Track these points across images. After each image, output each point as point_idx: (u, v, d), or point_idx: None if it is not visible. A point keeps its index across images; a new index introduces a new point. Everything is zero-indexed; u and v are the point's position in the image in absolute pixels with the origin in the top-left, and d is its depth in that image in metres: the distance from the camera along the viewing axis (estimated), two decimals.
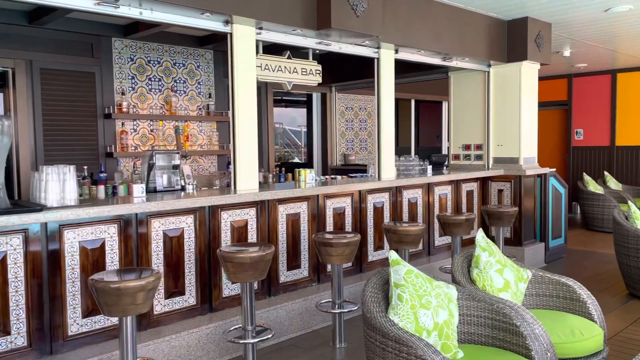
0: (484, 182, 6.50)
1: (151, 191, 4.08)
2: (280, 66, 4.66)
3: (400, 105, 9.74)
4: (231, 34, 3.95)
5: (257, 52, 4.49)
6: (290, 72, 4.74)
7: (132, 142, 6.00)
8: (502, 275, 3.28)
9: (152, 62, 6.17)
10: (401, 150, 9.71)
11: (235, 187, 4.03)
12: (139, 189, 3.47)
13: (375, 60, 5.17)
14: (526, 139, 6.31)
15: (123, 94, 5.88)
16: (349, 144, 8.67)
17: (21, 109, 5.25)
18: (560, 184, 6.77)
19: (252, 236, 4.12)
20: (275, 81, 4.71)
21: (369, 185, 5.01)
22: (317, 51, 5.77)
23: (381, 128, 5.22)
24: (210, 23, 3.89)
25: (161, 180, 3.99)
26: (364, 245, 5.04)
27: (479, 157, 6.62)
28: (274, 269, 4.27)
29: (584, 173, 9.34)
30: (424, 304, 2.64)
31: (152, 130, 6.17)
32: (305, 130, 8.60)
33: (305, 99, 8.62)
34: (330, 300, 4.05)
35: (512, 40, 6.15)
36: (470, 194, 6.34)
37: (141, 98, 6.09)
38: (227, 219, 3.96)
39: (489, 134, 6.50)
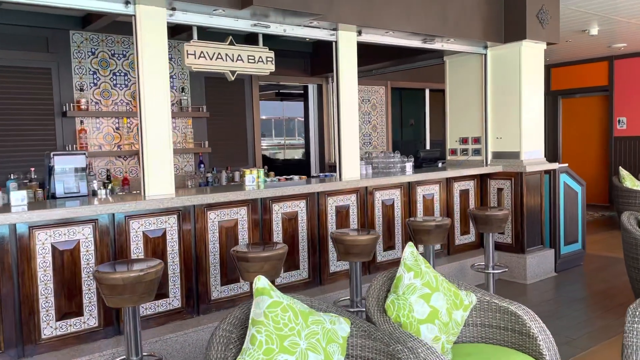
0: (482, 180, 5.74)
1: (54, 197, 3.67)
2: (219, 54, 4.14)
3: (432, 97, 9.02)
4: (134, 15, 3.47)
5: (192, 38, 4.01)
6: (233, 60, 4.21)
7: (96, 141, 5.68)
8: (429, 302, 2.64)
9: (116, 55, 5.82)
10: (432, 144, 9.01)
11: (144, 193, 3.56)
12: (18, 197, 3.06)
13: (333, 44, 4.55)
14: (529, 130, 5.49)
15: (82, 90, 5.55)
16: None
17: None
18: (575, 181, 5.89)
19: (172, 248, 3.65)
20: (214, 70, 4.20)
21: (326, 187, 4.41)
22: (307, 39, 5.22)
23: (341, 121, 4.60)
24: (108, 4, 3.41)
25: (61, 185, 3.58)
26: (322, 257, 4.46)
27: (477, 152, 5.86)
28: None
29: (620, 167, 8.28)
30: (286, 348, 2.06)
31: (117, 128, 5.82)
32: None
33: (302, 91, 8.07)
34: None
35: (509, 16, 5.34)
36: (464, 194, 5.60)
37: (104, 94, 5.75)
38: (138, 228, 3.50)
39: (487, 126, 5.72)
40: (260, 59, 4.37)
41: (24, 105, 5.28)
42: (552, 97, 11.26)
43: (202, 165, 6.18)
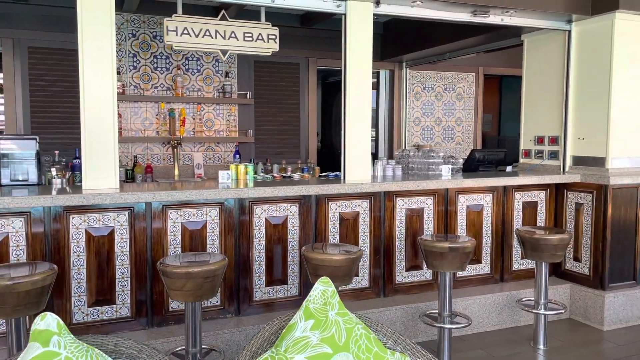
0: (557, 190, 4.54)
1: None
2: (207, 30, 3.64)
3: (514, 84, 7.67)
4: None
5: (177, 12, 3.56)
6: (224, 38, 3.68)
7: (133, 126, 5.56)
8: None
9: (158, 37, 5.62)
10: (500, 141, 7.74)
11: (84, 185, 3.19)
12: None
13: (343, 18, 3.78)
14: (620, 130, 4.17)
15: (118, 73, 5.44)
16: (426, 133, 7.07)
17: (8, 89, 5.14)
18: None
19: (121, 249, 3.26)
20: (202, 50, 3.71)
21: (323, 189, 3.69)
22: (376, 18, 4.50)
23: (347, 112, 3.81)
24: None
25: (7, 172, 3.35)
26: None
27: (554, 155, 4.64)
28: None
29: None
30: None
31: (157, 114, 5.64)
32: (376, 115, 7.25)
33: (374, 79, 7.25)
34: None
35: None
36: (531, 207, 4.46)
37: (144, 77, 5.59)
38: (79, 225, 3.16)
39: (567, 122, 4.48)
40: (260, 37, 3.78)
41: (59, 87, 5.28)
42: None
43: (238, 156, 5.77)
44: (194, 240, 3.44)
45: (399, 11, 3.87)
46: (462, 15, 4.04)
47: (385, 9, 3.81)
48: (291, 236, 3.69)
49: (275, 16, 4.12)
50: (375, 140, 7.26)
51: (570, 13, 4.14)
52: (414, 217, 4.06)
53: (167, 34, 3.55)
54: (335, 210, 3.81)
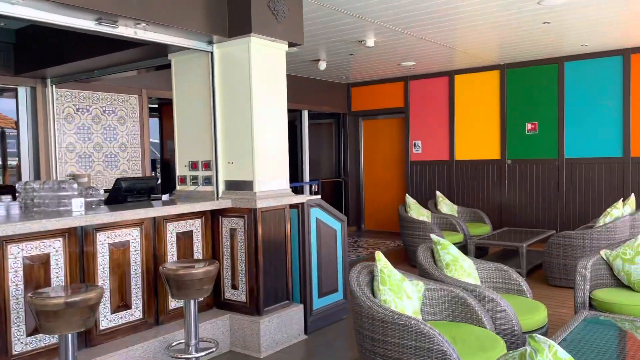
0: (213, 217, 4.33)
1: None
2: None
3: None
4: None
5: None
6: None
7: None
8: None
9: None
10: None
11: None
12: None
13: None
14: (265, 153, 4.22)
15: None
16: (84, 160, 6.20)
17: None
18: (332, 217, 4.77)
19: None
20: None
21: None
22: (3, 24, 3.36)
23: None
24: None
25: None
26: None
27: (207, 181, 4.45)
28: None
29: (407, 195, 7.59)
30: None
31: None
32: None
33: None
34: None
35: (233, 1, 4.05)
36: (185, 238, 4.13)
37: None
38: None
39: (217, 147, 4.35)
40: None
41: None
42: (353, 118, 10.58)
43: None
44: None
45: None
46: (86, 23, 3.45)
47: None
48: None
49: None
50: (19, 169, 6.02)
51: (209, 33, 4.00)
52: (36, 267, 3.24)
53: None
54: None
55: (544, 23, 5.90)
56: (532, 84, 8.31)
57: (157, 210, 3.86)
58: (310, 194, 9.59)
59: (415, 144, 9.66)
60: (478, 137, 8.89)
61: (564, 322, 4.56)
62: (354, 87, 10.34)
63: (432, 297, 3.47)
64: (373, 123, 10.53)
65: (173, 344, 3.59)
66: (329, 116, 10.42)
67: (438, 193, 8.20)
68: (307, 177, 9.67)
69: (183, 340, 3.55)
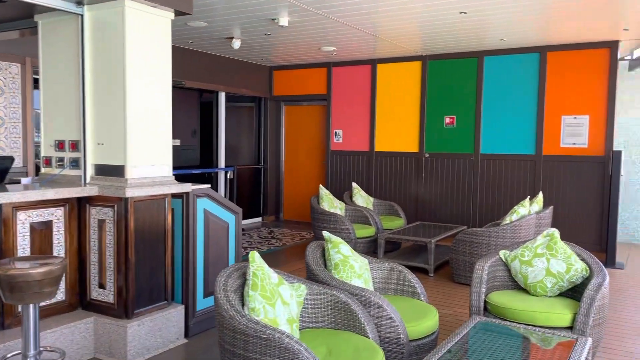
0: (80, 205, 3.79)
1: None
2: None
3: None
4: None
5: None
6: None
7: None
8: None
9: None
10: None
11: None
12: None
13: None
14: (141, 135, 3.72)
15: None
16: None
17: None
18: (224, 208, 4.34)
19: None
20: None
21: None
22: None
23: None
24: None
25: None
26: None
27: (75, 163, 3.89)
28: None
29: (321, 185, 7.27)
30: None
31: None
32: None
33: None
34: None
35: None
36: (44, 229, 3.56)
37: None
38: None
39: (85, 125, 3.80)
40: None
41: None
42: (275, 103, 10.13)
43: None
44: None
45: None
46: None
47: None
48: None
49: None
50: None
51: None
52: None
53: None
54: None
55: (461, 13, 5.70)
56: (453, 77, 8.19)
57: (5, 196, 3.28)
58: (225, 181, 9.10)
59: (336, 133, 9.37)
60: (398, 129, 8.71)
61: (460, 325, 4.38)
62: (277, 70, 9.89)
63: (315, 302, 3.13)
64: (296, 109, 10.15)
65: (8, 356, 3.05)
66: (249, 100, 9.92)
67: (354, 185, 7.95)
68: (222, 163, 9.15)
69: (20, 352, 3.02)
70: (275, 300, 2.77)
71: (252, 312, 2.66)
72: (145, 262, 3.74)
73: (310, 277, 3.42)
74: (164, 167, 3.89)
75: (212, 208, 4.20)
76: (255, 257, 2.84)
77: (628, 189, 8.15)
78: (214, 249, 4.24)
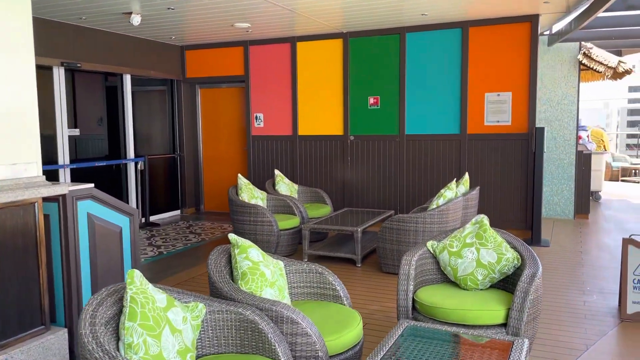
0: None
1: None
2: None
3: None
4: None
5: None
6: None
7: None
8: None
9: None
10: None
11: None
12: None
13: None
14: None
15: None
16: None
17: None
18: (115, 210, 3.71)
19: None
20: None
21: None
22: None
23: None
24: None
25: None
26: None
27: None
28: None
29: (239, 175, 6.70)
30: None
31: None
32: None
33: None
34: None
35: None
36: None
37: None
38: None
39: None
40: None
41: None
42: (189, 86, 9.38)
43: None
44: None
45: None
46: None
47: None
48: None
49: None
50: None
51: None
52: None
53: None
54: None
55: None
56: (375, 56, 7.82)
57: None
58: (136, 173, 8.31)
59: (257, 117, 8.80)
60: (322, 111, 8.27)
61: (389, 324, 4.04)
62: (189, 50, 9.12)
63: (216, 323, 2.62)
64: (212, 92, 9.45)
65: None
66: (160, 83, 9.10)
67: (277, 172, 7.45)
68: (131, 153, 8.34)
69: None
70: (161, 330, 2.24)
71: (128, 350, 2.12)
72: (12, 281, 3.07)
73: (213, 291, 2.90)
74: (30, 165, 3.20)
75: (98, 211, 3.57)
76: (134, 276, 2.29)
77: (549, 165, 8.17)
78: (104, 259, 3.61)
